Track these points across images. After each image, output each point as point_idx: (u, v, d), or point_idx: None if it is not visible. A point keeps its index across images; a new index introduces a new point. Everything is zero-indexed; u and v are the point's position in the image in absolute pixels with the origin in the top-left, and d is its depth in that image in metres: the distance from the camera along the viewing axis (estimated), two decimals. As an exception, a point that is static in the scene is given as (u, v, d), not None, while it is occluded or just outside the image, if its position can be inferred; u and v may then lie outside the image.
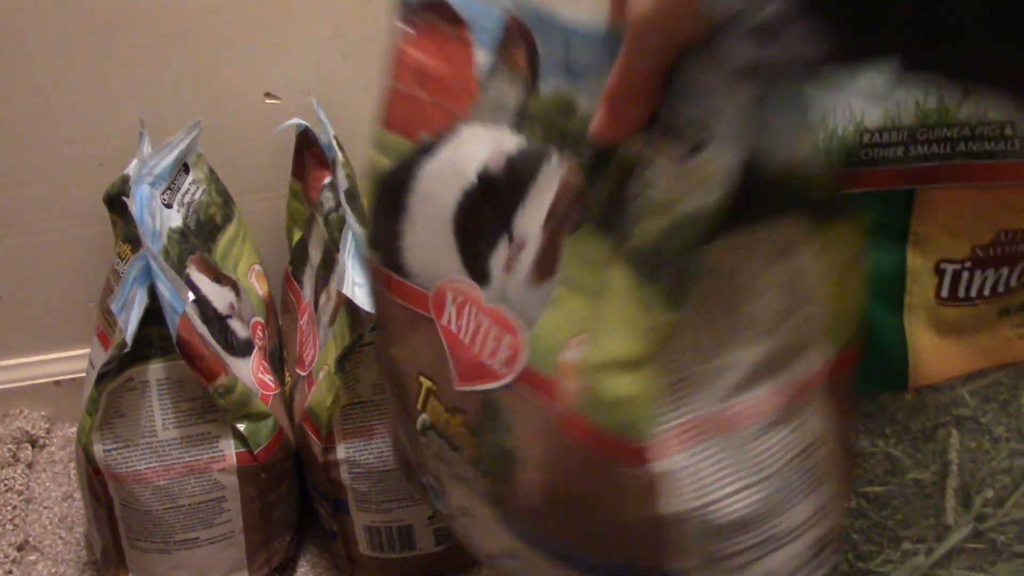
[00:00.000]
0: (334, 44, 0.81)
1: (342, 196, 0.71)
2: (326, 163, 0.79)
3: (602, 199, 0.41)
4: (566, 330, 0.41)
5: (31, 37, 0.77)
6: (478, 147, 0.45)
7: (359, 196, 0.72)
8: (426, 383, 0.47)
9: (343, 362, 0.66)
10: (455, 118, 0.46)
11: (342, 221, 0.70)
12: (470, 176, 0.44)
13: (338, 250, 0.70)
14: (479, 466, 0.45)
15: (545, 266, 0.42)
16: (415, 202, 0.47)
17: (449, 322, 0.46)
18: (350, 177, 0.76)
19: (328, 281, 0.73)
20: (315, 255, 0.77)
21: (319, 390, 0.68)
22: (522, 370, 0.42)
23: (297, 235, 0.83)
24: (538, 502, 0.42)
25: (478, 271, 0.45)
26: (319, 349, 0.72)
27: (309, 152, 0.82)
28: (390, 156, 0.48)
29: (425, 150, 0.47)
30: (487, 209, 0.44)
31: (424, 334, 0.47)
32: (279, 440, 0.69)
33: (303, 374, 0.74)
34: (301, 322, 0.78)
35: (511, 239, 0.43)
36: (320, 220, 0.76)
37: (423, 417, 0.48)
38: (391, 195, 0.48)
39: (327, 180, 0.78)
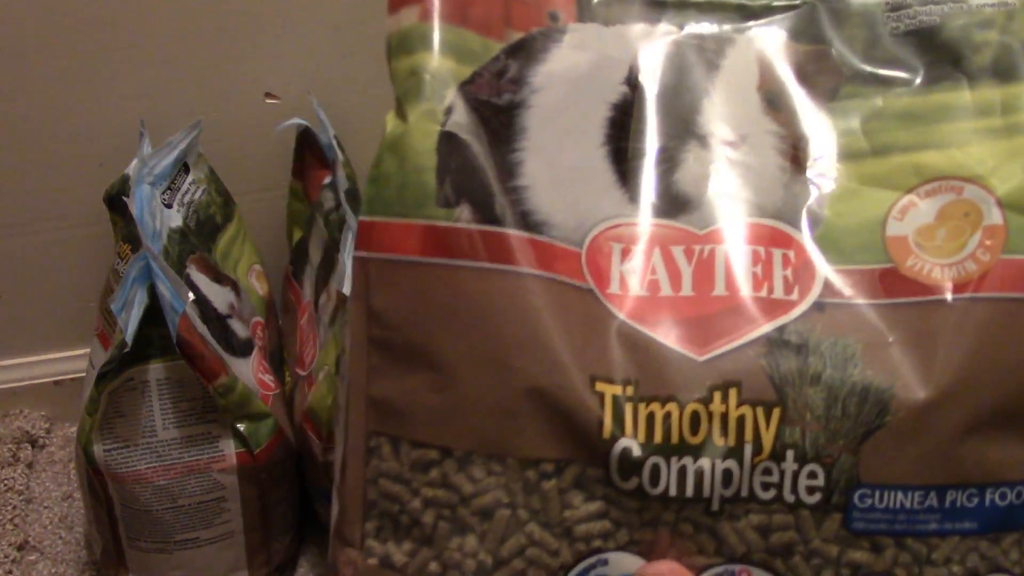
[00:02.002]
0: (334, 44, 0.81)
1: (342, 196, 0.71)
2: (326, 163, 0.79)
3: (862, 52, 0.35)
4: (877, 203, 0.34)
5: (31, 36, 0.77)
6: (612, 48, 0.35)
7: (359, 196, 0.72)
8: (612, 389, 0.31)
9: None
10: (551, 15, 0.36)
11: (342, 221, 0.70)
12: (615, 86, 0.35)
13: (338, 250, 0.70)
14: (806, 447, 0.31)
15: (799, 151, 0.34)
16: (536, 118, 0.35)
17: (624, 287, 0.33)
18: (350, 177, 0.76)
19: (328, 281, 0.73)
20: (315, 255, 0.77)
21: (319, 390, 0.68)
22: (824, 281, 0.33)
23: (297, 235, 0.83)
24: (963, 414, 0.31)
25: (656, 196, 0.33)
26: (319, 349, 0.72)
27: (309, 152, 0.82)
28: (467, 61, 0.37)
29: (521, 53, 0.36)
30: (649, 119, 0.34)
31: (579, 315, 0.33)
32: (279, 440, 0.69)
33: (303, 374, 0.74)
34: (301, 322, 0.78)
35: (701, 141, 0.33)
36: (320, 220, 0.76)
37: (624, 447, 0.31)
38: (495, 110, 0.35)
39: (327, 180, 0.78)
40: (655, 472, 0.31)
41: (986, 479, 0.33)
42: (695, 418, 0.31)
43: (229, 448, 0.66)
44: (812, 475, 0.31)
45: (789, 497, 0.31)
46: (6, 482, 0.82)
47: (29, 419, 0.88)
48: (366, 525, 0.35)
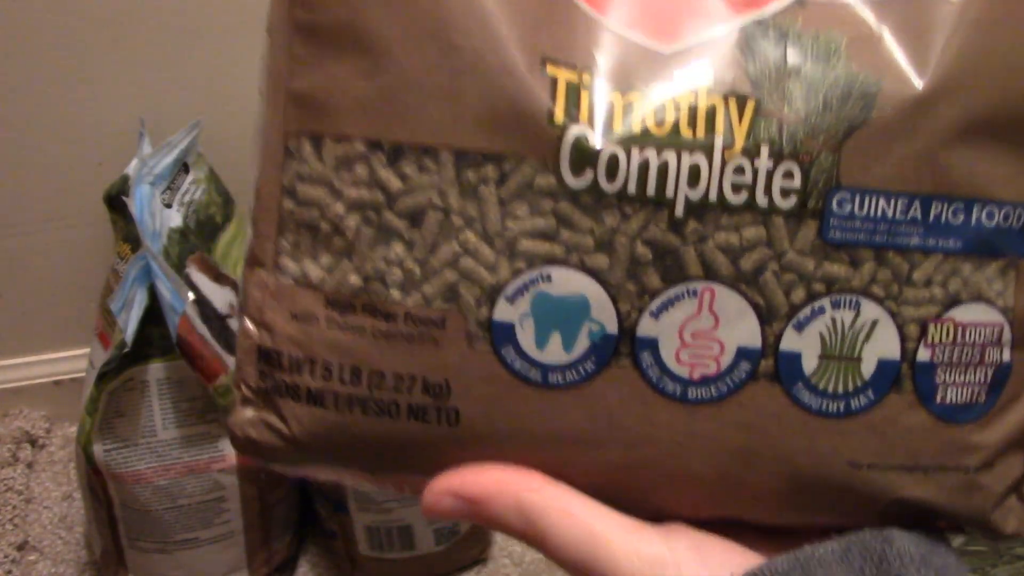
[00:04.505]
0: (334, 44, 0.81)
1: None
2: (326, 163, 0.79)
3: None
4: None
5: (31, 37, 0.77)
6: None
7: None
8: (566, 74, 0.28)
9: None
10: None
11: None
12: None
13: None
14: (782, 143, 0.29)
15: None
16: None
17: None
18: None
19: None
20: (315, 255, 0.77)
21: (319, 390, 0.68)
22: None
23: (297, 235, 0.83)
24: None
25: None
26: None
27: (309, 152, 0.82)
28: None
29: None
30: None
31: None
32: (279, 440, 0.69)
33: (303, 374, 0.74)
34: (301, 322, 0.78)
35: None
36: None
37: (578, 134, 0.28)
38: None
39: (327, 180, 0.78)
40: (612, 164, 0.28)
41: (974, 193, 0.30)
42: (660, 109, 0.28)
43: (229, 448, 0.66)
44: (788, 175, 0.29)
45: (762, 200, 0.29)
46: (6, 482, 0.82)
47: (29, 419, 0.88)
48: (280, 241, 0.32)
